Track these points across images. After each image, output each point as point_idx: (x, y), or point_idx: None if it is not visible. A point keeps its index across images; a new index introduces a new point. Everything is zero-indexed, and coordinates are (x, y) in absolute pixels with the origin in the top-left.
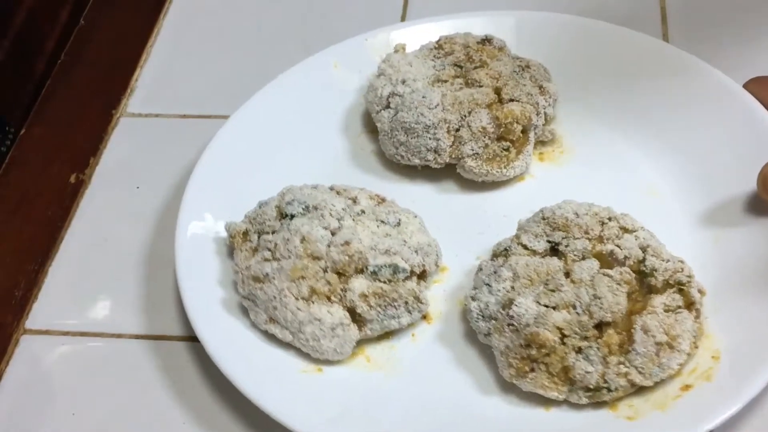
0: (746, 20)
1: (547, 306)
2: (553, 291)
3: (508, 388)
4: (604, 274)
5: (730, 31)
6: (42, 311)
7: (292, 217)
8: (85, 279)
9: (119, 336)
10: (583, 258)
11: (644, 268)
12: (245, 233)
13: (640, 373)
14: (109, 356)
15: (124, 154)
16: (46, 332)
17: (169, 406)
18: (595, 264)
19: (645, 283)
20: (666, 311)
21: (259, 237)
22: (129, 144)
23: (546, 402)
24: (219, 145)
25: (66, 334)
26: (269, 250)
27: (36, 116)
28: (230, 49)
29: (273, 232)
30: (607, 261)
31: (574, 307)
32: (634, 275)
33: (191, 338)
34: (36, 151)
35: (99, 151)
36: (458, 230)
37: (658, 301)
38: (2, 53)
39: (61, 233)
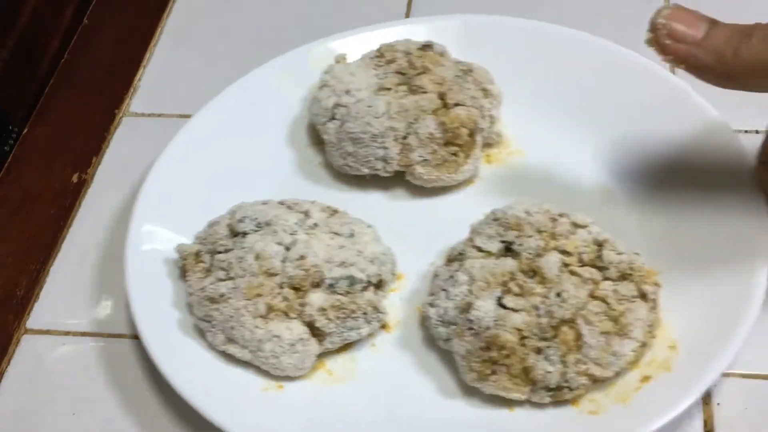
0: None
1: (514, 309)
2: (519, 295)
3: (470, 391)
4: (571, 273)
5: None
6: (43, 311)
7: (245, 234)
8: (86, 279)
9: (120, 336)
10: (538, 255)
11: (600, 263)
12: (197, 254)
13: (597, 364)
14: (110, 356)
15: (126, 153)
16: (48, 332)
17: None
18: (557, 257)
19: (603, 277)
20: (619, 300)
21: (211, 257)
22: (131, 144)
23: (509, 403)
24: (163, 167)
25: (67, 333)
26: (223, 269)
27: (39, 116)
28: (233, 49)
29: (226, 251)
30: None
31: (537, 308)
32: (596, 270)
33: None
34: (38, 151)
35: (101, 150)
36: (411, 237)
37: (604, 286)
38: (6, 52)
39: (62, 233)
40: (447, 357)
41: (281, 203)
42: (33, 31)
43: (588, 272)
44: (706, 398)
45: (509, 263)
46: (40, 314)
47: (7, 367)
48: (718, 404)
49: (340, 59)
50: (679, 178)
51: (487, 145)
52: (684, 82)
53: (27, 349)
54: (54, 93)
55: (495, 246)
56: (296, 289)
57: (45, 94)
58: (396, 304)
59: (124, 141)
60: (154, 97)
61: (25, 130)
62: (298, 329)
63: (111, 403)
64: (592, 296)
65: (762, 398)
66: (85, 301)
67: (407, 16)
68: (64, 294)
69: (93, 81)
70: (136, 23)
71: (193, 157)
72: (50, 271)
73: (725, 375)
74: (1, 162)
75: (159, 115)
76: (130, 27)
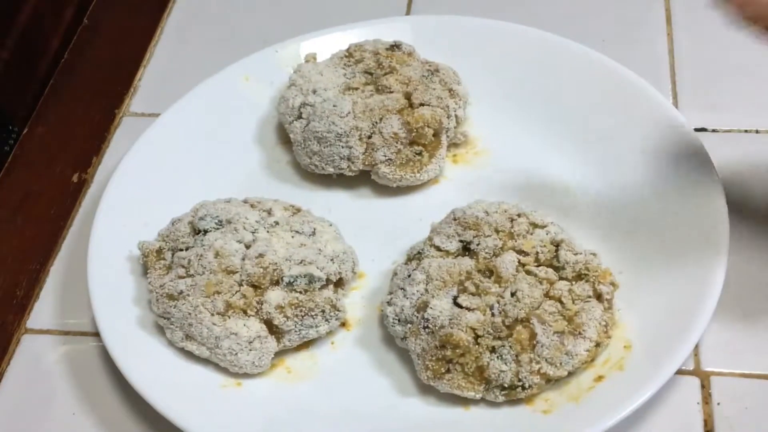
0: None
1: (468, 308)
2: (474, 294)
3: (427, 390)
4: (527, 272)
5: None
6: (43, 311)
7: (206, 232)
8: (86, 279)
9: None
10: (495, 254)
11: (557, 263)
12: (159, 251)
13: (550, 364)
14: (109, 356)
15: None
16: (47, 332)
17: None
18: (513, 256)
19: (559, 277)
20: (574, 300)
21: (173, 254)
22: (131, 144)
23: (465, 401)
24: (131, 163)
25: (67, 333)
26: (183, 267)
27: (39, 116)
28: (233, 49)
29: (187, 249)
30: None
31: (492, 308)
32: (551, 270)
33: None
34: (39, 151)
35: (101, 150)
36: (374, 236)
37: (560, 285)
38: (6, 52)
39: (63, 233)
40: (405, 356)
41: (245, 201)
42: (33, 30)
43: (544, 272)
44: (707, 398)
45: (466, 262)
46: (40, 314)
47: (7, 367)
48: (718, 404)
49: (310, 58)
50: (641, 179)
51: (454, 145)
52: (646, 83)
53: (27, 349)
54: (54, 93)
55: (453, 245)
56: (255, 286)
57: (45, 94)
58: (357, 302)
59: (124, 141)
60: (154, 97)
61: (25, 130)
62: (255, 327)
63: (111, 403)
64: (547, 296)
65: (762, 398)
66: (85, 301)
67: (408, 13)
68: (63, 294)
69: (93, 81)
70: (137, 23)
71: (162, 154)
72: (50, 271)
73: (725, 375)
74: (1, 162)
75: (159, 115)
76: (131, 27)
